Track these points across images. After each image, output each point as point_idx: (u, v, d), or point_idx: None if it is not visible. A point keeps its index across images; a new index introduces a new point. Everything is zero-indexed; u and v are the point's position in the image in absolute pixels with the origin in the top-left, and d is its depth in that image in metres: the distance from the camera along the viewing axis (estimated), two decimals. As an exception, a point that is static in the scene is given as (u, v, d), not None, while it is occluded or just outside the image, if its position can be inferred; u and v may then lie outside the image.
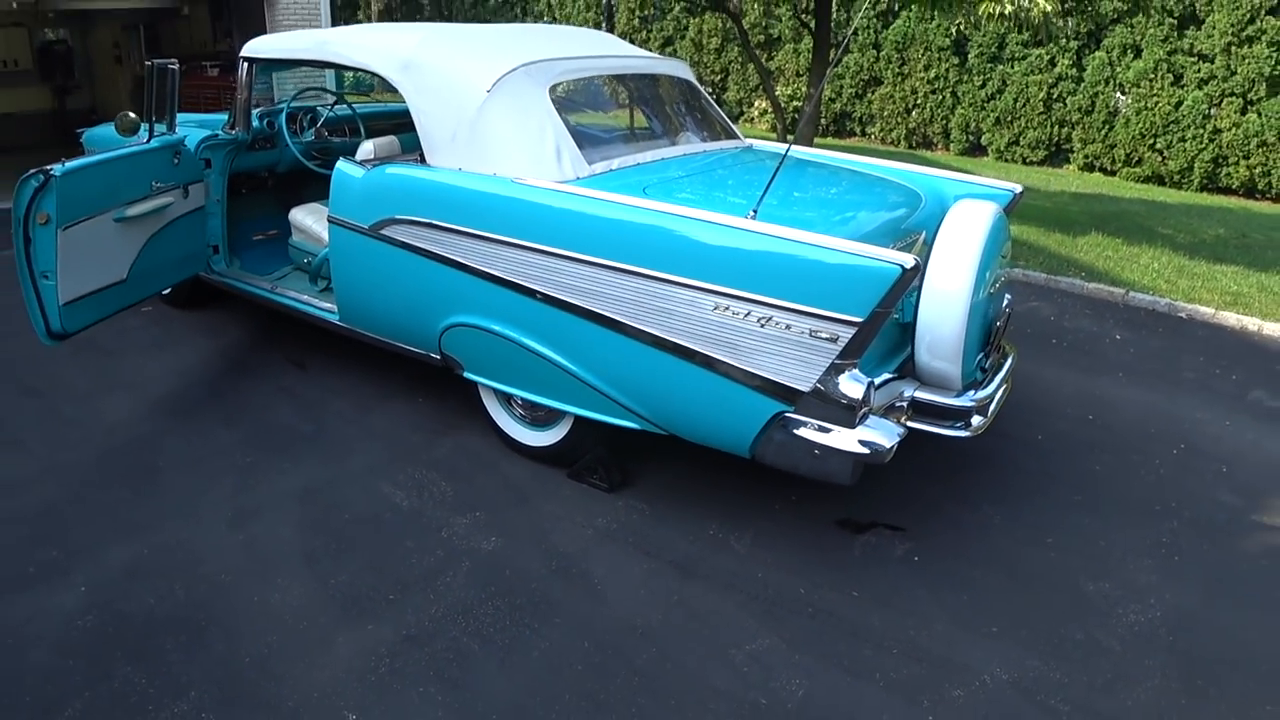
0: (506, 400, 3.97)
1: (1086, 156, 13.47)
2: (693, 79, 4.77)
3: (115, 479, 3.75)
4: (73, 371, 4.72)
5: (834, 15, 9.34)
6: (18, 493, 3.63)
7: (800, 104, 15.27)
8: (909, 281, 2.77)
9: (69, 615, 2.96)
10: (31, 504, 3.56)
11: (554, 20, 19.27)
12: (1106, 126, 13.18)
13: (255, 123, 5.00)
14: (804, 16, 11.43)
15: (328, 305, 4.36)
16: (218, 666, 2.77)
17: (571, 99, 3.95)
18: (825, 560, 3.39)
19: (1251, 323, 6.29)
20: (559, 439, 3.82)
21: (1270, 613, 3.24)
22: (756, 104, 17.04)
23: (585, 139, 3.74)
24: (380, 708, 2.64)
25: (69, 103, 13.48)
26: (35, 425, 4.18)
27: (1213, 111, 12.27)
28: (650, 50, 17.07)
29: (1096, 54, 13.11)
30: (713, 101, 4.85)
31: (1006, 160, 14.14)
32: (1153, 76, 12.59)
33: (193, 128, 4.77)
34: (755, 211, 3.04)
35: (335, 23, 11.91)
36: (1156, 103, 12.61)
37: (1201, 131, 12.34)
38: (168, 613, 2.99)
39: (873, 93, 15.56)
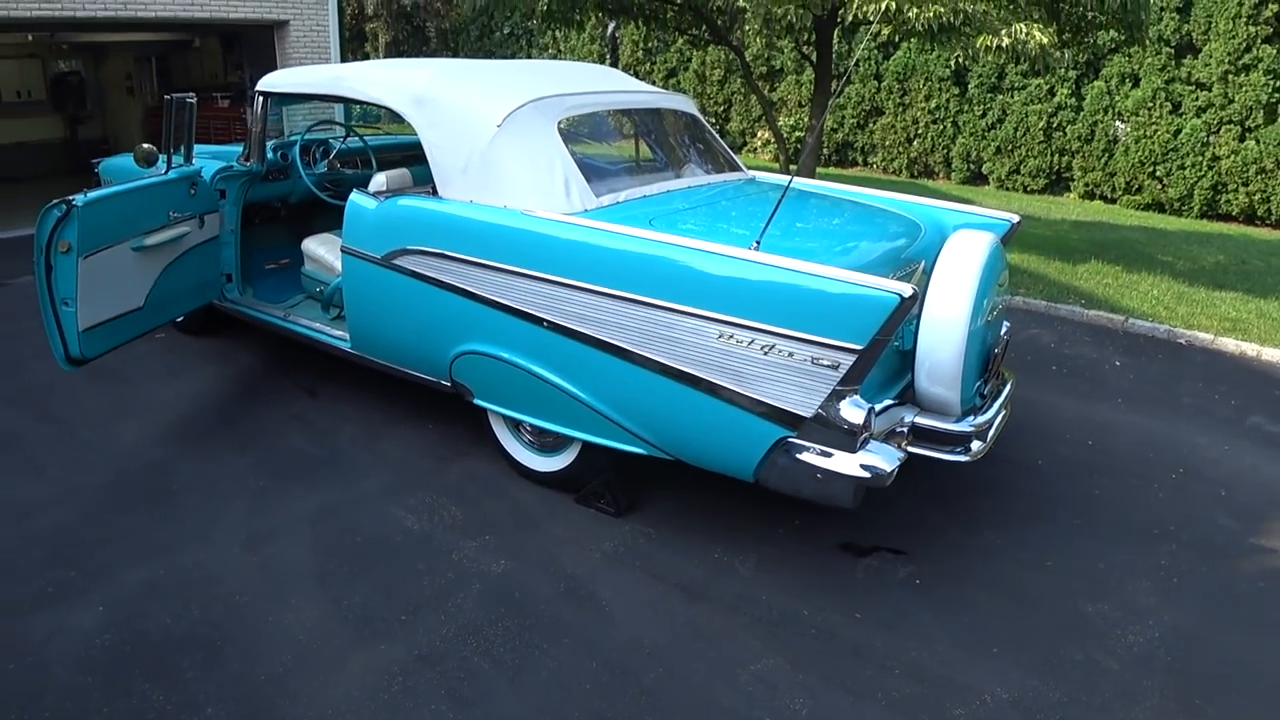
0: (515, 426, 4.05)
1: (1087, 184, 13.60)
2: (696, 113, 4.89)
3: (131, 502, 3.83)
4: (88, 397, 4.81)
5: (835, 47, 9.50)
6: (36, 515, 3.71)
7: (802, 134, 15.44)
8: (907, 310, 2.86)
9: (87, 634, 3.03)
10: (49, 526, 3.64)
11: (559, 53, 19.52)
12: (1106, 155, 13.32)
13: (270, 155, 5.12)
14: (805, 49, 11.60)
15: (339, 333, 4.45)
16: (234, 684, 2.83)
17: (579, 133, 4.06)
18: (828, 583, 3.45)
19: (1250, 348, 6.36)
20: (567, 464, 3.90)
21: (1268, 634, 3.29)
22: (759, 134, 17.24)
23: (592, 172, 3.85)
24: (393, 726, 2.70)
25: (81, 132, 13.66)
26: (52, 449, 4.26)
27: (1211, 139, 12.40)
28: (654, 82, 17.27)
29: (1095, 83, 13.28)
30: (716, 134, 4.97)
31: (1007, 189, 14.28)
32: (1151, 105, 12.74)
33: (208, 159, 4.88)
34: (758, 243, 3.14)
35: (344, 56, 12.11)
36: (1155, 131, 12.75)
37: (1200, 159, 12.47)
38: (184, 632, 3.06)
39: (874, 123, 15.74)
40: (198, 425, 4.58)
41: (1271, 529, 4.00)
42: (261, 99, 4.85)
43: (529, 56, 20.21)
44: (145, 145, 4.53)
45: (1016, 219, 4.22)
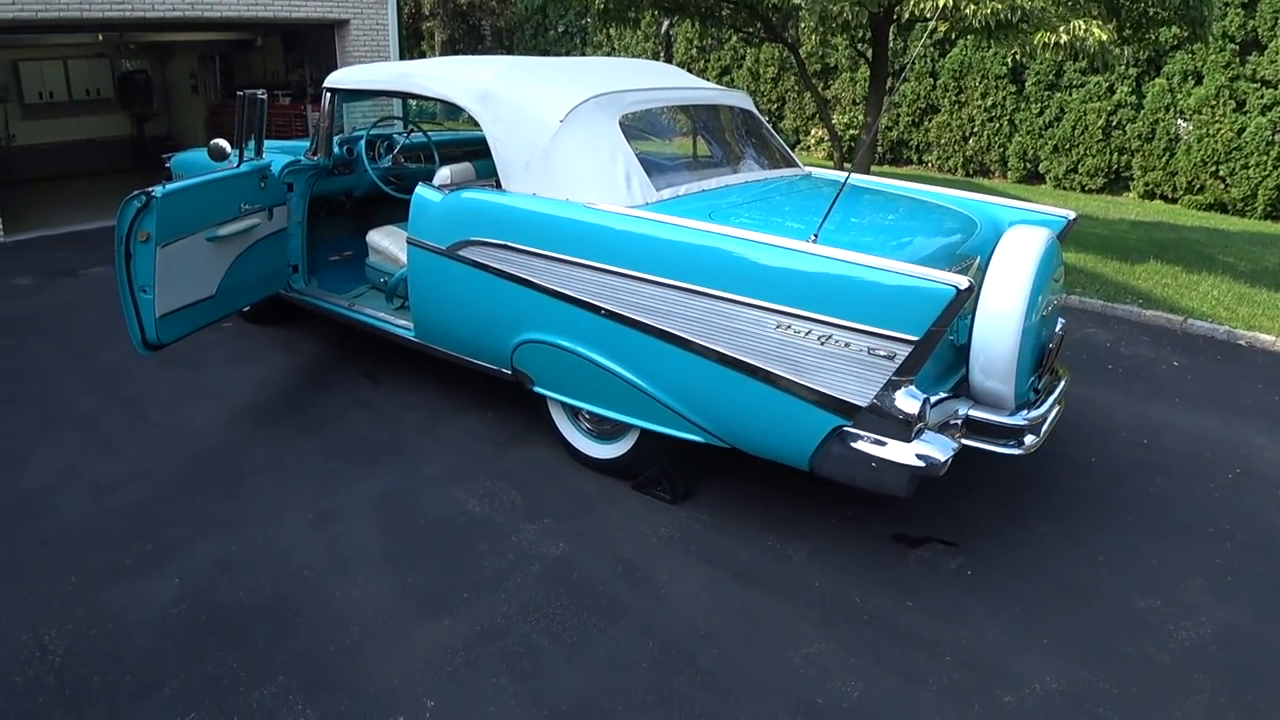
0: (574, 414, 4.15)
1: (1147, 184, 13.37)
2: (753, 109, 4.94)
3: (203, 482, 4.00)
4: (160, 382, 5.00)
5: (891, 44, 9.47)
6: (113, 493, 3.89)
7: (857, 132, 15.38)
8: (963, 302, 2.90)
9: (164, 604, 3.18)
10: (126, 503, 3.81)
11: (613, 51, 19.64)
12: (1167, 154, 13.09)
13: (336, 150, 5.26)
14: (860, 46, 11.57)
15: (403, 322, 4.58)
16: (303, 654, 2.96)
17: (639, 128, 4.14)
18: (880, 572, 3.50)
19: (1313, 351, 6.25)
20: (624, 452, 3.99)
21: (1323, 633, 3.28)
22: (813, 132, 17.19)
23: (653, 166, 3.93)
24: (457, 696, 2.80)
25: (147, 129, 14.08)
26: (127, 431, 4.45)
27: (1276, 138, 12.13)
28: (708, 79, 17.34)
29: (1156, 80, 13.06)
30: (772, 130, 5.01)
31: (1065, 188, 14.08)
32: (1214, 103, 12.49)
33: (277, 154, 5.04)
34: (816, 236, 3.19)
35: (402, 54, 12.33)
36: (1219, 129, 12.50)
37: (1265, 158, 12.20)
38: (256, 604, 3.20)
39: (929, 121, 15.62)
40: (265, 410, 4.74)
41: (1330, 530, 3.96)
42: (329, 95, 4.99)
43: (583, 54, 20.35)
44: (218, 140, 4.70)
45: (1073, 215, 4.22)
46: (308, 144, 5.25)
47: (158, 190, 3.98)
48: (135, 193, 3.94)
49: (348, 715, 2.72)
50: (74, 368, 5.21)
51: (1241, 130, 12.35)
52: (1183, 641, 3.18)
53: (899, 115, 15.87)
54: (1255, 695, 2.93)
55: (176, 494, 3.89)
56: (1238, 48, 12.28)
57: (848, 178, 3.62)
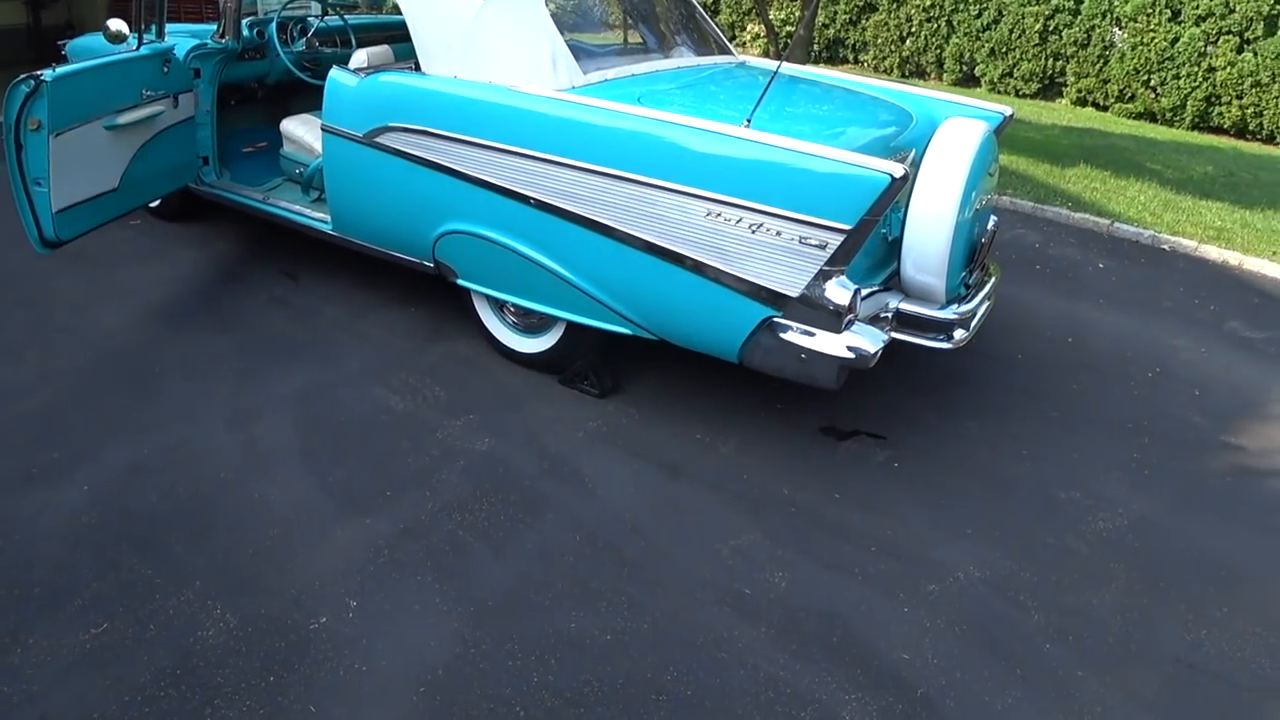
0: (499, 307, 4.03)
1: (1080, 91, 13.39)
2: (688, -6, 4.75)
3: (113, 384, 3.81)
4: (65, 282, 4.73)
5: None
6: (17, 399, 3.67)
7: (794, 28, 15.09)
8: (897, 191, 2.84)
9: (74, 512, 3.03)
10: (31, 409, 3.61)
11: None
12: (1101, 61, 13.09)
13: (245, 32, 4.95)
14: (799, -59, 11.21)
15: (320, 215, 4.38)
16: (221, 557, 2.86)
17: (568, 8, 3.95)
18: (809, 464, 3.51)
19: (1233, 257, 6.37)
20: (551, 345, 3.90)
21: (1231, 523, 3.39)
22: (749, 27, 16.77)
23: (580, 49, 3.75)
24: (380, 595, 2.75)
25: (45, 17, 13.15)
26: (31, 334, 4.20)
27: (1208, 49, 12.20)
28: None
29: (1094, -14, 12.97)
30: (707, 17, 4.84)
31: (1000, 92, 14.04)
32: (1150, 12, 12.47)
33: (183, 37, 4.72)
34: (749, 121, 3.08)
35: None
36: (1153, 38, 12.51)
37: (1196, 69, 12.27)
38: (170, 508, 3.08)
39: (867, 19, 15.34)
40: (177, 309, 4.53)
41: (1241, 427, 4.07)
42: (236, -29, 4.67)
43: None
44: (115, 21, 4.37)
45: (1009, 111, 4.16)
46: (214, 27, 4.92)
47: (47, 74, 3.70)
48: (23, 76, 3.65)
49: (268, 618, 2.64)
50: (-35, 269, 4.90)
51: (1175, 40, 12.38)
52: (1100, 532, 3.26)
53: (835, 12, 15.55)
54: (1167, 583, 3.03)
55: (85, 398, 3.70)
56: (1175, -46, 12.23)
57: (780, 63, 3.50)
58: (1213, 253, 6.45)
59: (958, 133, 3.49)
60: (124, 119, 4.14)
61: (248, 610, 2.66)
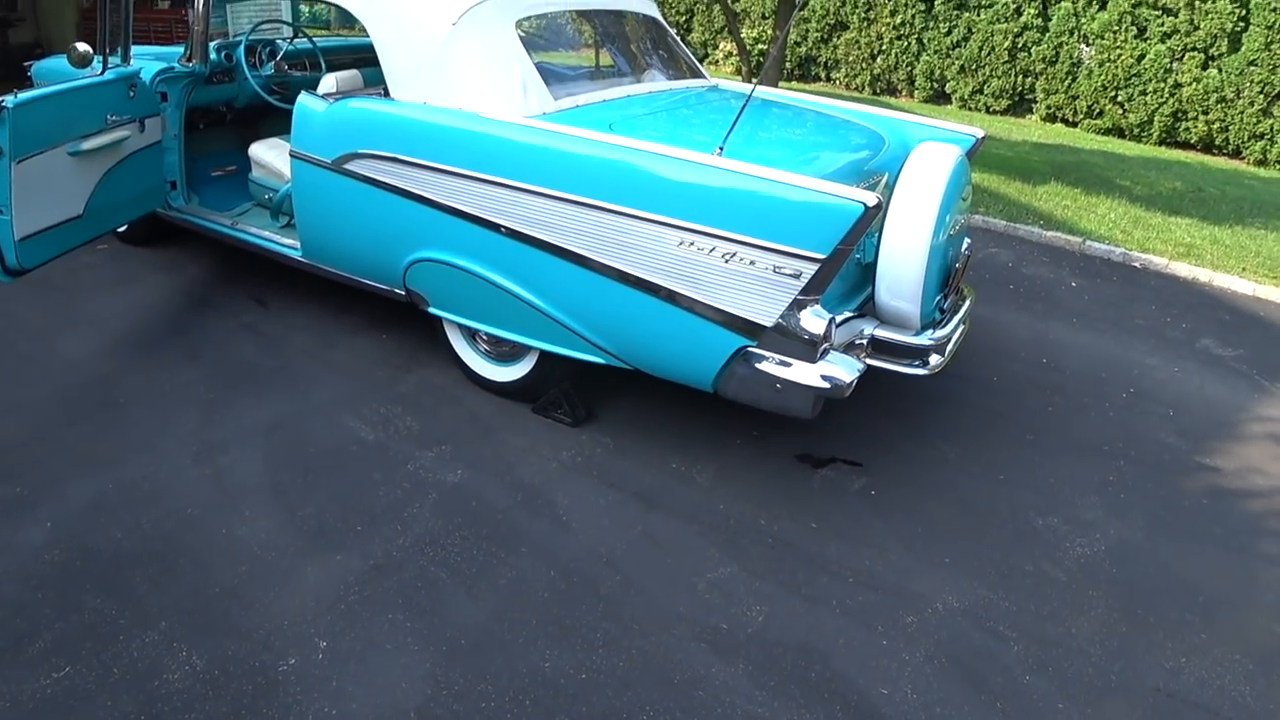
0: (471, 335, 3.99)
1: (1049, 107, 13.54)
2: (659, 16, 4.74)
3: (77, 415, 3.72)
4: (28, 310, 4.63)
5: (802, -42, 9.24)
6: (-24, 430, 3.59)
7: (766, 47, 15.17)
8: (871, 219, 2.82)
9: (36, 550, 2.95)
10: (-9, 441, 3.52)
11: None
12: (1070, 78, 13.24)
13: (213, 55, 4.89)
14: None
15: (290, 241, 4.32)
16: (188, 597, 2.79)
17: (538, 33, 3.93)
18: (785, 494, 3.48)
19: (1203, 274, 6.44)
20: (524, 374, 3.85)
21: (1209, 547, 3.39)
22: (721, 46, 16.85)
23: (551, 74, 3.73)
24: (350, 634, 2.68)
25: (12, 37, 13.00)
26: (-8, 363, 4.13)
27: (1174, 66, 12.37)
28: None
29: (1062, 4, 13.13)
30: (679, 40, 4.83)
31: (970, 109, 14.18)
32: (1117, 29, 12.64)
33: (149, 60, 4.65)
34: (721, 149, 3.06)
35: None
36: (1120, 55, 12.67)
37: (1162, 85, 12.44)
38: (136, 546, 3.00)
39: (838, 37, 15.46)
40: (144, 337, 4.44)
41: (1216, 448, 4.09)
42: (203, -6, 4.60)
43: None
44: (79, 45, 4.29)
45: (981, 134, 4.18)
46: (182, 50, 4.86)
47: (8, 100, 3.62)
48: None
49: (236, 659, 2.58)
50: (-74, 297, 4.80)
51: (1141, 57, 12.54)
52: (1078, 558, 3.25)
53: (807, 31, 15.66)
54: (1145, 610, 3.02)
55: (48, 430, 3.61)
56: (1140, -28, 12.40)
57: (754, 88, 3.48)
58: (1183, 270, 6.51)
59: (931, 159, 3.48)
60: (88, 145, 4.06)
61: (215, 652, 2.60)
